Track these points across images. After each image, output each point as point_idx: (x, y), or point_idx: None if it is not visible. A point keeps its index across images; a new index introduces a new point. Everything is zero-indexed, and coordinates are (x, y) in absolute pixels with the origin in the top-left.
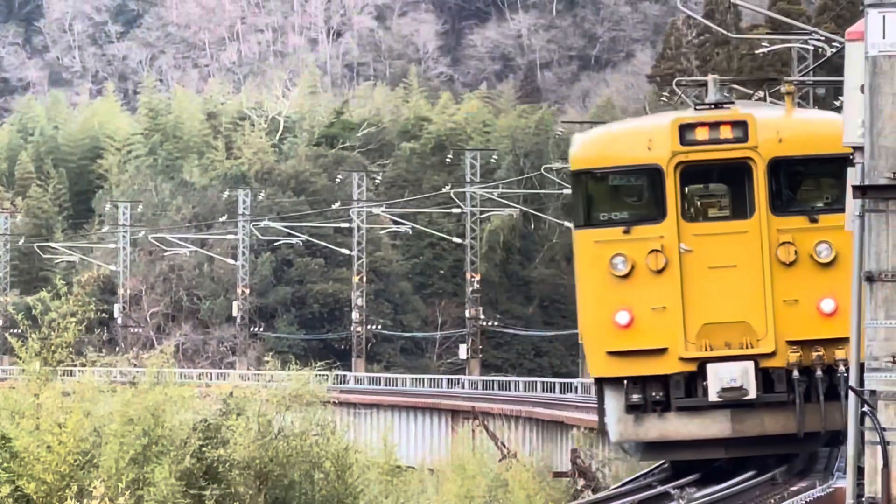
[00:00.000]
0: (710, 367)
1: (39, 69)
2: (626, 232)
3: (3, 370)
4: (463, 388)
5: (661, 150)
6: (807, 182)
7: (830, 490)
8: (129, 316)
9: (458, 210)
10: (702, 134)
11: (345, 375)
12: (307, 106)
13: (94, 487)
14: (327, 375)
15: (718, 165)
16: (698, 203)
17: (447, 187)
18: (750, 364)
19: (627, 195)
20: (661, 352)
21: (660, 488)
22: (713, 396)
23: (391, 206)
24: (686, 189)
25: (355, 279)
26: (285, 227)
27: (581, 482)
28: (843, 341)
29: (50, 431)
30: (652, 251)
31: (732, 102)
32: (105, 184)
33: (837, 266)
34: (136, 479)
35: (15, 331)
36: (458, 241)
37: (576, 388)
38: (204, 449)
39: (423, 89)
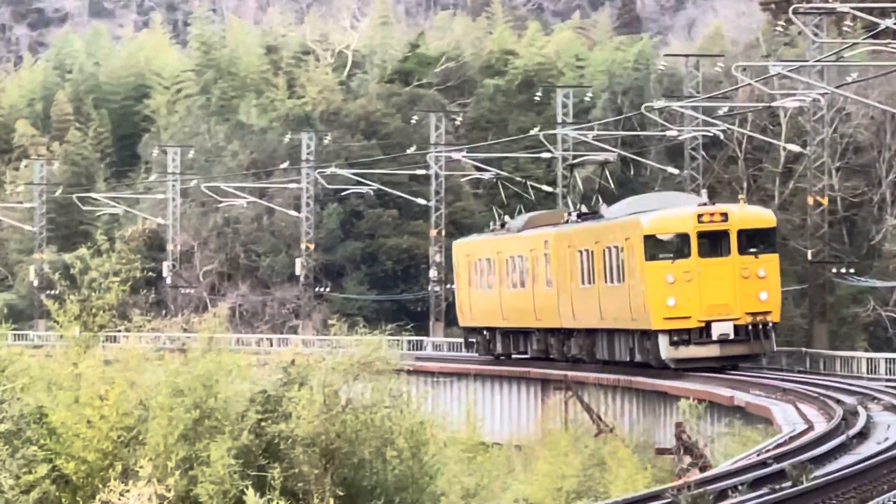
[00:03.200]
0: (713, 324)
1: None
2: (672, 261)
3: (39, 336)
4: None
5: (688, 226)
6: (752, 238)
7: None
8: (180, 275)
9: (548, 154)
10: (706, 217)
11: (421, 340)
12: (378, 38)
13: (141, 467)
14: (401, 340)
15: (717, 231)
16: (705, 248)
17: (536, 129)
18: (731, 323)
19: (673, 246)
20: (688, 318)
21: (775, 466)
22: (714, 337)
23: (473, 151)
24: (700, 242)
25: (433, 233)
26: (354, 174)
27: (687, 460)
28: (769, 313)
29: (90, 405)
30: (685, 271)
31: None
32: (152, 127)
33: (767, 278)
34: (187, 457)
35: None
36: (549, 189)
37: None
38: (263, 423)
39: (509, 19)
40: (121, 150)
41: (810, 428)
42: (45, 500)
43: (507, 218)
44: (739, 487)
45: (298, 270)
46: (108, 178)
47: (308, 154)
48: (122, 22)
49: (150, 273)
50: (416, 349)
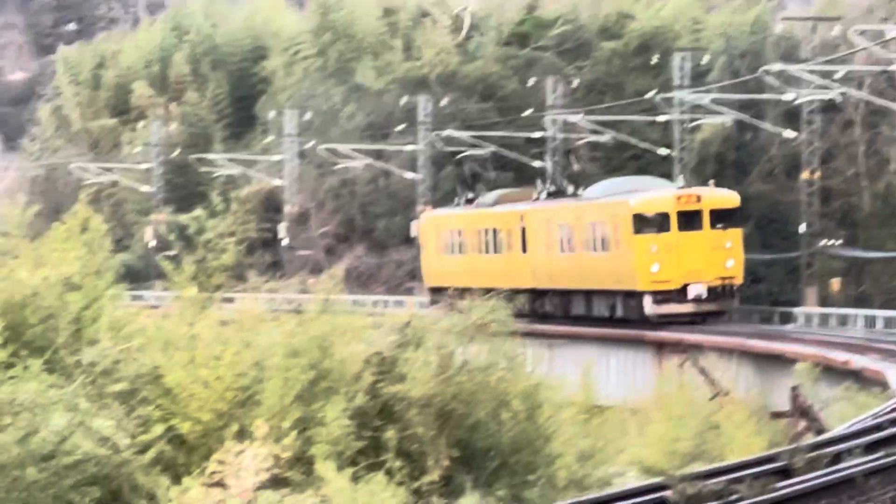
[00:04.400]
0: (689, 286)
1: None
2: (655, 235)
3: (155, 296)
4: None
5: (669, 206)
6: (720, 216)
7: None
8: (296, 236)
9: (665, 118)
10: (684, 199)
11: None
12: (495, 1)
13: (256, 427)
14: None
15: (692, 210)
16: (683, 224)
17: (652, 92)
18: (703, 285)
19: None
20: (668, 281)
21: (890, 430)
22: (690, 297)
23: (589, 114)
24: (679, 219)
25: None
26: (471, 136)
27: (802, 423)
28: (734, 277)
29: (206, 365)
30: (666, 243)
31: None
32: (269, 88)
33: (732, 248)
34: (302, 417)
35: (168, 253)
36: (665, 152)
37: (797, 317)
38: (378, 385)
39: None
40: (238, 112)
41: None
42: (160, 459)
43: (469, 195)
44: (853, 451)
45: (414, 232)
46: (225, 140)
47: (424, 116)
48: None
49: (267, 234)
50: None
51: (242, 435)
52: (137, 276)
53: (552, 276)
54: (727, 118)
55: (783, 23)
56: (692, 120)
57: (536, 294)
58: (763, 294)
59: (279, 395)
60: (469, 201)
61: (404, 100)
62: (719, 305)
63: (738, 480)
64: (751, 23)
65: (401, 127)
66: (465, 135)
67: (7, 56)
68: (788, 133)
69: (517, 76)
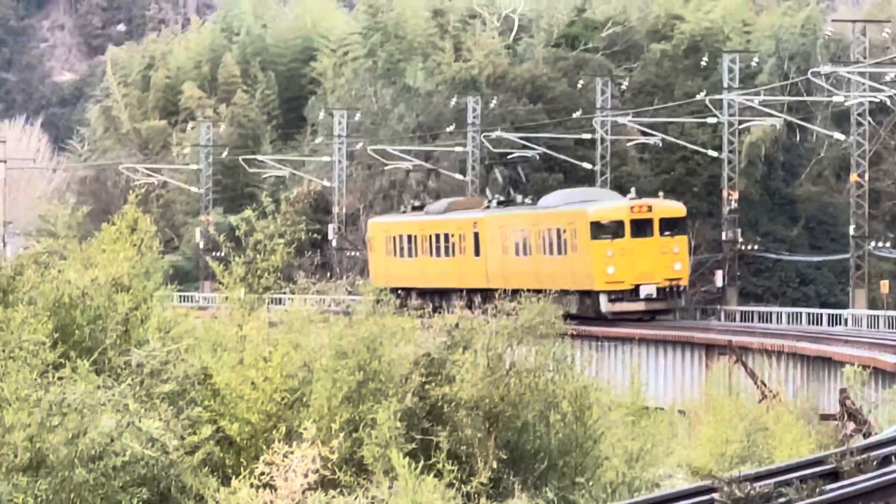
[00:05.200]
0: (640, 287)
1: None
2: (611, 241)
3: (204, 297)
4: (718, 319)
5: (623, 215)
6: (668, 224)
7: None
8: (345, 237)
9: (715, 120)
10: (636, 209)
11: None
12: (545, 2)
13: (305, 429)
14: (565, 304)
15: (644, 219)
16: (635, 231)
17: (702, 94)
18: (653, 286)
19: (612, 229)
20: (622, 282)
21: None
22: (641, 296)
23: (639, 115)
24: (632, 227)
25: None
26: (520, 138)
27: (850, 426)
28: (681, 279)
29: (255, 366)
30: (621, 248)
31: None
32: (319, 89)
33: (679, 253)
34: (351, 419)
35: (217, 254)
36: (714, 154)
37: (846, 319)
38: (427, 386)
39: None
40: (287, 113)
41: None
42: (209, 460)
43: (414, 202)
44: None
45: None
46: (274, 141)
47: (474, 117)
48: None
49: (316, 235)
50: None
51: (291, 436)
52: (186, 277)
53: (506, 276)
54: (776, 120)
55: (833, 25)
56: (741, 122)
57: (489, 293)
58: (812, 296)
59: (327, 396)
60: (417, 209)
61: (454, 101)
62: (667, 304)
63: (787, 483)
64: (800, 25)
65: (450, 128)
66: (513, 136)
67: (56, 57)
68: (838, 135)
69: (566, 78)
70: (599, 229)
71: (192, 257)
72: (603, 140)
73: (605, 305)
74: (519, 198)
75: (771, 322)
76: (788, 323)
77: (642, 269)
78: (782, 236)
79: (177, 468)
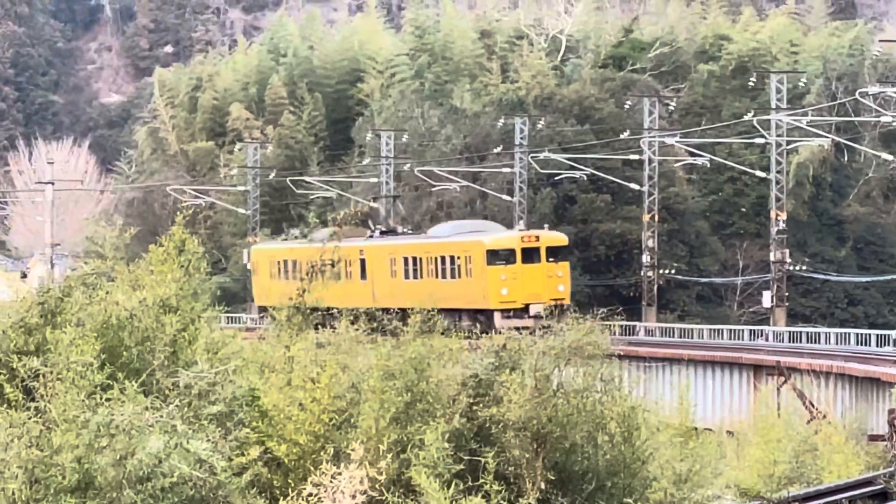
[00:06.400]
0: (530, 306)
1: None
2: (504, 266)
3: (252, 318)
4: (766, 340)
5: (515, 244)
6: (553, 252)
7: None
8: None
9: (762, 140)
10: (526, 239)
11: (633, 325)
12: (592, 23)
13: (352, 450)
14: (612, 325)
15: (532, 247)
16: (525, 258)
17: (750, 114)
18: (542, 304)
19: (505, 256)
20: (514, 301)
21: None
22: (531, 314)
23: (686, 136)
24: (522, 254)
25: (646, 218)
26: (567, 158)
27: None
28: (564, 299)
29: (302, 387)
30: (512, 272)
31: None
32: (366, 111)
33: (562, 277)
34: (399, 440)
35: None
36: (762, 174)
37: (894, 340)
38: (475, 407)
39: (723, 4)
40: (334, 134)
41: None
42: (257, 482)
43: (295, 231)
44: None
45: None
46: (322, 162)
47: (521, 138)
48: (336, 6)
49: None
50: (628, 334)
51: (339, 457)
52: (233, 298)
53: (395, 297)
54: (825, 140)
55: (881, 45)
56: (789, 142)
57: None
58: (860, 317)
59: (375, 417)
60: (302, 236)
61: (501, 122)
62: (552, 321)
63: None
64: (848, 45)
65: (498, 149)
66: (561, 157)
67: (104, 79)
68: (886, 156)
69: (614, 98)
70: (494, 256)
71: (240, 279)
72: (650, 161)
73: (499, 322)
74: (399, 228)
75: (819, 343)
76: (837, 343)
77: (531, 290)
78: (830, 257)
79: (225, 489)
